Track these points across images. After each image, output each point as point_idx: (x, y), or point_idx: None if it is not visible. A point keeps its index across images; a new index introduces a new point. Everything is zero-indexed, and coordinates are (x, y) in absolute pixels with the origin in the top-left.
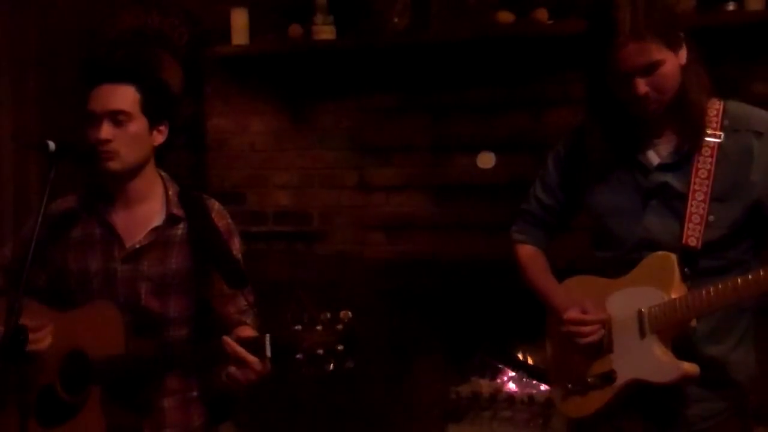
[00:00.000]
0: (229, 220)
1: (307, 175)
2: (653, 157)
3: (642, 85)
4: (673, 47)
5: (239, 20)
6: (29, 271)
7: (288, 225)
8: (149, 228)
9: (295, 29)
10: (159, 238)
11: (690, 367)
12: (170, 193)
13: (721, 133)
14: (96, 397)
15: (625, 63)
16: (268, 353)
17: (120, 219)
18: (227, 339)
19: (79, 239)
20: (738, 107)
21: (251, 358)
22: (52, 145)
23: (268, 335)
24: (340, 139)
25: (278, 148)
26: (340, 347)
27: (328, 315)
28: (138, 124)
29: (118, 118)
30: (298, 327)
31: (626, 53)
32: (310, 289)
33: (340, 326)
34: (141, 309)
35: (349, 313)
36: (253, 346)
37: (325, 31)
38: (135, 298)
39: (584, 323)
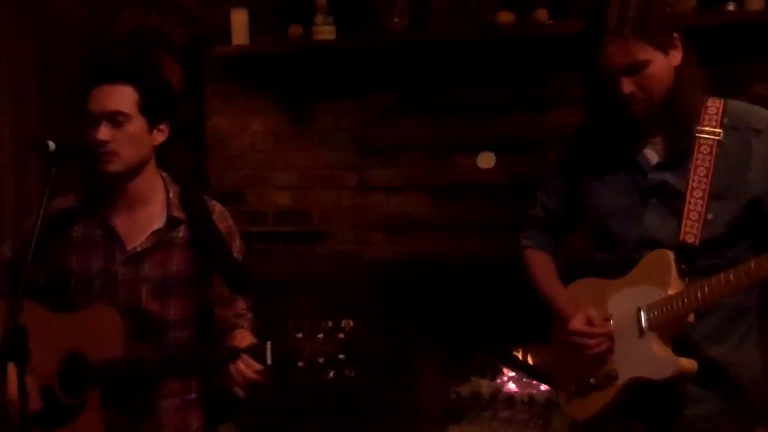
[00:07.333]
0: (231, 222)
1: (307, 175)
2: (651, 156)
3: (627, 85)
4: (663, 48)
5: (239, 20)
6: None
7: (288, 225)
8: (150, 230)
9: (295, 29)
10: (160, 240)
11: (687, 363)
12: (171, 194)
13: (720, 130)
14: (95, 400)
15: (610, 62)
16: (269, 361)
17: (121, 221)
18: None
19: (81, 240)
20: (738, 105)
21: (255, 366)
22: (52, 145)
23: (269, 343)
24: (340, 139)
25: (278, 148)
26: (341, 356)
27: (330, 324)
28: (136, 124)
29: (116, 119)
30: (300, 335)
31: (610, 52)
32: (310, 289)
33: (341, 335)
34: (141, 312)
35: (351, 322)
36: (255, 353)
37: (325, 31)
38: (135, 301)
39: (590, 336)
